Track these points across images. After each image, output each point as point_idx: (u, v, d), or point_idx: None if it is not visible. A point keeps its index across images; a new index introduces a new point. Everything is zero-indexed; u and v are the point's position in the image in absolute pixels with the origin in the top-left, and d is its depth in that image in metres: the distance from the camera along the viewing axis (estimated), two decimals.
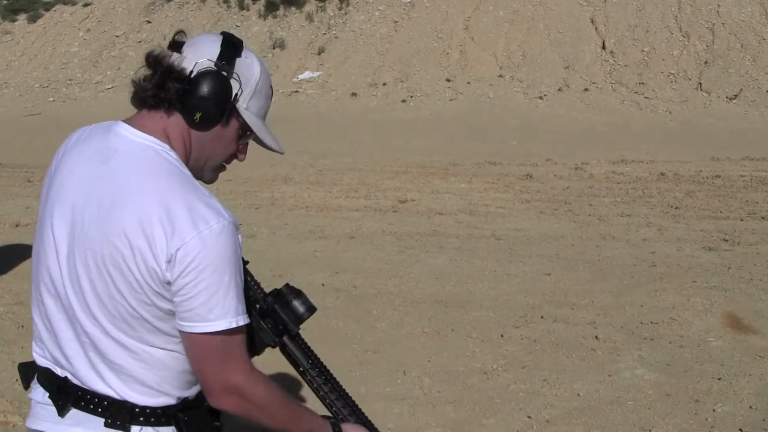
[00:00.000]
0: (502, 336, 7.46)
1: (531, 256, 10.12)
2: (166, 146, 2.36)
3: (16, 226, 11.73)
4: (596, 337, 7.39)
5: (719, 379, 6.51)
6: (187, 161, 2.43)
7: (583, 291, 8.74)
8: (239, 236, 2.34)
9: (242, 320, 2.31)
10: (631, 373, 6.67)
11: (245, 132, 2.47)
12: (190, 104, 2.34)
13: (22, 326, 7.65)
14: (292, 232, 11.34)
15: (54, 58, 33.25)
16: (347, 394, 2.71)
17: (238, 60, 2.38)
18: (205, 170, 2.50)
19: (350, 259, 9.99)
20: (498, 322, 7.82)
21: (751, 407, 6.01)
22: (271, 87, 2.52)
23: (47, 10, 35.94)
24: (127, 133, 2.37)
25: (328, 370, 2.68)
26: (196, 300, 2.25)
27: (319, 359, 2.67)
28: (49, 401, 2.43)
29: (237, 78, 2.37)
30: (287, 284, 2.62)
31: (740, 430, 5.70)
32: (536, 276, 9.29)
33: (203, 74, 2.33)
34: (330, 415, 2.66)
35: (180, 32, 2.45)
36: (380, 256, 10.18)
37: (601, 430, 5.74)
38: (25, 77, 32.21)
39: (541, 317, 7.94)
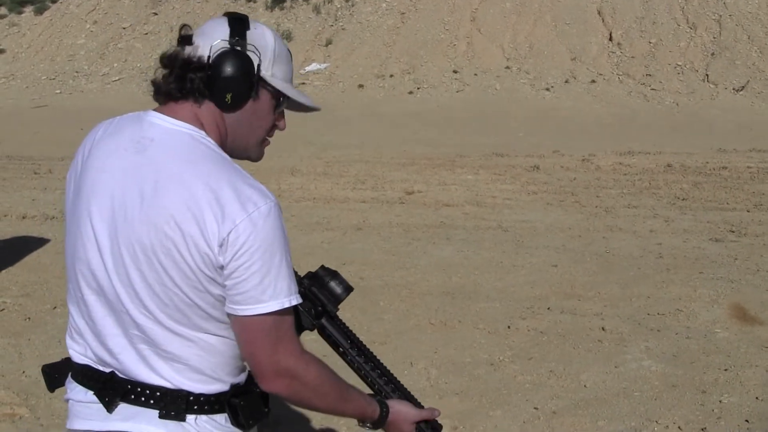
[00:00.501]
0: (508, 327, 7.47)
1: (538, 248, 10.13)
2: (202, 132, 2.35)
3: (23, 218, 11.76)
4: (603, 329, 7.40)
5: (726, 370, 6.51)
6: (223, 146, 2.42)
7: (589, 282, 8.75)
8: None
9: (294, 299, 2.30)
10: (637, 364, 6.67)
11: (279, 99, 2.45)
12: (218, 88, 2.33)
13: (29, 318, 7.67)
14: (299, 224, 11.35)
15: (61, 50, 33.29)
16: (389, 371, 2.70)
17: (248, 33, 2.36)
18: (249, 148, 2.50)
19: (357, 251, 10.01)
20: (505, 313, 7.83)
21: (757, 398, 6.01)
22: (288, 51, 2.50)
23: (54, 2, 36.01)
24: (161, 121, 2.36)
25: (368, 349, 2.68)
26: (249, 282, 2.23)
27: (358, 339, 2.67)
28: (93, 399, 2.39)
29: (254, 49, 2.35)
30: (323, 266, 2.62)
31: (747, 421, 5.71)
32: (543, 267, 9.30)
33: (221, 55, 2.32)
34: (374, 393, 2.66)
35: (185, 26, 2.43)
36: (387, 247, 10.20)
37: (607, 421, 5.75)
38: (32, 69, 32.25)
39: (548, 308, 7.95)
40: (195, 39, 2.37)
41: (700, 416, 5.78)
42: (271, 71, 2.40)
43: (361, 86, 28.07)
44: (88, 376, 2.42)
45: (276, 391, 2.36)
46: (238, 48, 2.34)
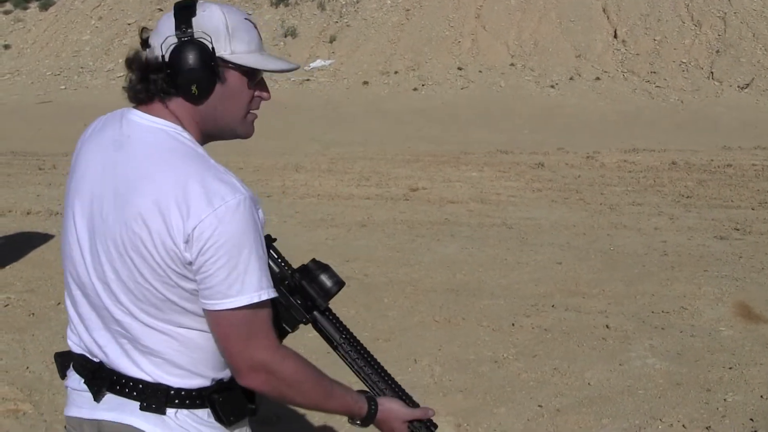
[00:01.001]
0: (513, 325, 7.46)
1: (542, 245, 10.12)
2: (179, 128, 2.36)
3: (28, 213, 11.77)
4: (607, 326, 7.39)
5: (730, 368, 6.50)
6: (208, 135, 2.43)
7: (594, 280, 8.74)
8: (260, 211, 2.31)
9: (265, 294, 2.28)
10: (642, 362, 6.66)
11: (250, 74, 2.42)
12: (181, 83, 2.31)
13: (33, 314, 7.68)
14: (303, 221, 11.35)
15: (66, 45, 33.31)
16: (382, 367, 2.68)
17: (194, 19, 2.32)
18: (234, 128, 2.46)
19: (361, 248, 10.00)
20: (509, 310, 7.82)
21: (762, 396, 6.00)
22: (247, 19, 2.43)
23: None
24: (139, 118, 2.37)
25: (362, 345, 2.65)
26: (216, 277, 2.23)
27: (352, 334, 2.64)
28: (85, 387, 2.43)
29: (203, 35, 2.31)
30: (314, 259, 2.60)
31: (751, 419, 5.70)
32: (547, 265, 9.29)
33: (174, 51, 2.30)
34: (366, 389, 2.64)
35: (143, 29, 2.44)
36: (391, 244, 10.19)
37: (611, 419, 5.74)
38: (37, 65, 32.27)
39: (552, 306, 7.94)
40: (150, 40, 2.37)
41: (705, 414, 5.77)
42: (229, 49, 2.36)
43: (365, 83, 28.07)
44: (82, 366, 2.47)
45: (252, 387, 2.36)
46: (186, 38, 2.31)
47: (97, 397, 2.40)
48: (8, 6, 36.05)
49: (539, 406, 5.92)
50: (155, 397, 2.35)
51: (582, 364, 6.60)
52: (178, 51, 2.30)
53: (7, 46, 33.85)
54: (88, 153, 2.44)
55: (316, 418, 5.60)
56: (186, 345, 2.35)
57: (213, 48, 2.32)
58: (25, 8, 35.82)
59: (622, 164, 16.08)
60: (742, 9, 28.83)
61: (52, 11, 35.46)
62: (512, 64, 28.50)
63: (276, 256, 2.52)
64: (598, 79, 27.40)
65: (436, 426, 2.73)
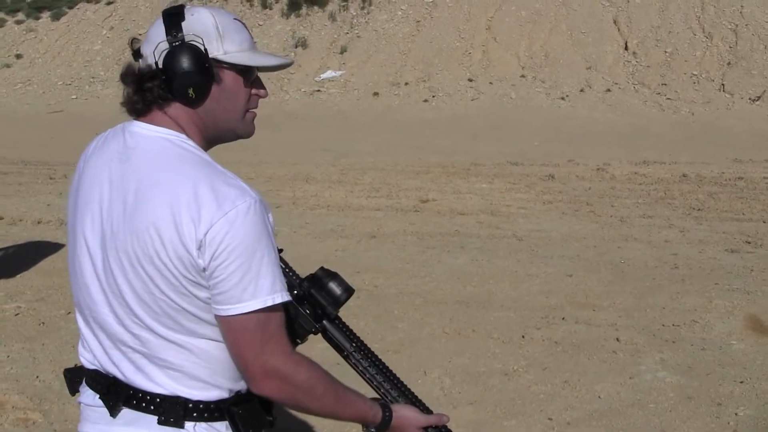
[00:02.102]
0: (523, 337, 7.45)
1: (552, 257, 10.11)
2: (183, 135, 2.35)
3: (38, 222, 11.79)
4: (617, 339, 7.37)
5: (741, 382, 6.48)
6: (209, 138, 2.42)
7: (604, 292, 8.72)
8: (269, 215, 2.30)
9: (279, 298, 2.27)
10: (652, 375, 6.64)
11: (245, 73, 2.41)
12: (177, 88, 2.31)
13: (43, 323, 7.68)
14: (313, 231, 11.35)
15: (77, 55, 33.40)
16: (395, 375, 2.65)
17: (184, 23, 2.32)
18: (234, 129, 2.46)
19: (371, 259, 10.00)
20: (519, 323, 7.81)
21: None
22: (236, 19, 2.43)
23: (71, 7, 36.08)
24: (141, 129, 2.36)
25: (373, 353, 2.62)
26: (229, 281, 2.21)
27: (362, 342, 2.61)
28: (100, 403, 2.41)
29: (194, 37, 2.31)
30: (322, 267, 2.58)
31: None
32: (558, 277, 9.28)
33: (166, 57, 2.30)
34: (379, 397, 2.61)
35: (134, 39, 2.44)
36: (401, 255, 10.19)
37: None
38: (49, 75, 32.36)
39: (563, 318, 7.92)
40: (142, 49, 2.38)
41: (716, 429, 5.75)
42: (222, 50, 2.35)
43: (376, 94, 28.09)
44: (96, 381, 2.44)
45: (266, 393, 2.34)
46: (178, 43, 2.31)
47: (113, 412, 2.38)
48: (20, 16, 36.15)
49: (549, 419, 5.91)
50: (173, 411, 2.33)
51: (592, 377, 6.58)
52: (171, 56, 2.30)
53: (19, 56, 33.94)
54: (93, 170, 2.43)
55: (324, 430, 5.59)
56: (203, 356, 2.34)
57: (206, 49, 2.32)
58: (37, 18, 35.92)
59: (633, 176, 16.06)
60: (754, 21, 28.78)
61: (63, 21, 35.56)
62: (523, 76, 28.50)
63: (284, 266, 2.49)
64: (608, 91, 27.39)
65: None
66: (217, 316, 2.28)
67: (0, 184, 14.93)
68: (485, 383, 6.49)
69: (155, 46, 2.32)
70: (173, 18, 2.34)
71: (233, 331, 2.27)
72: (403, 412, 2.59)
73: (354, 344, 2.60)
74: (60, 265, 9.39)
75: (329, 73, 29.70)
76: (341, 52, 30.58)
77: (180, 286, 2.25)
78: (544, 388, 6.40)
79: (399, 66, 29.40)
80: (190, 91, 2.32)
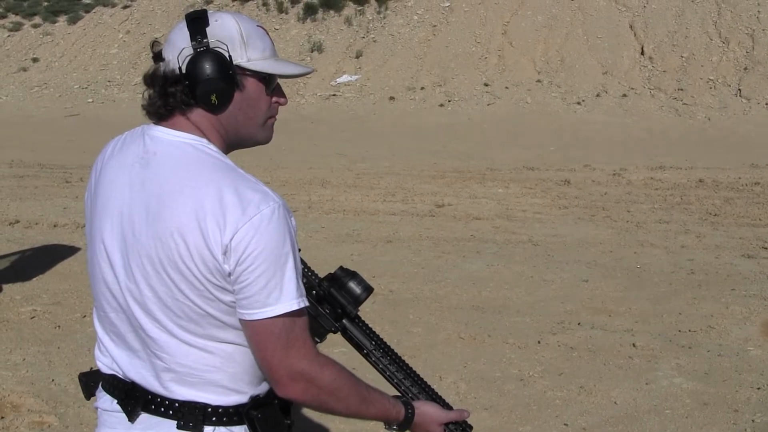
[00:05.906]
0: (539, 342, 7.44)
1: (568, 263, 10.09)
2: (204, 140, 2.35)
3: (54, 226, 11.83)
4: (634, 345, 7.35)
5: (758, 388, 6.45)
6: (230, 143, 2.42)
7: (620, 298, 8.70)
8: (292, 219, 2.31)
9: (303, 302, 2.28)
10: (668, 381, 6.62)
11: (266, 81, 2.41)
12: (200, 93, 2.30)
13: (59, 326, 7.71)
14: (329, 236, 11.36)
15: (93, 59, 33.49)
16: (415, 372, 2.67)
17: (209, 29, 2.32)
18: (254, 135, 2.46)
19: (387, 264, 9.99)
20: (535, 328, 7.80)
21: None
22: (259, 26, 2.43)
23: (87, 11, 36.21)
24: (162, 134, 2.36)
25: (392, 350, 2.64)
26: (255, 285, 2.22)
27: (382, 340, 2.63)
28: (118, 408, 2.41)
29: (219, 43, 2.31)
30: (341, 267, 2.60)
31: None
32: (573, 282, 9.26)
33: (191, 62, 2.29)
34: (400, 394, 2.63)
35: (155, 42, 2.43)
36: (417, 260, 10.18)
37: None
38: (65, 78, 32.45)
39: (579, 324, 7.91)
40: (164, 53, 2.37)
41: None
42: (246, 57, 2.35)
43: (392, 98, 28.08)
44: (113, 386, 2.45)
45: (292, 397, 2.34)
46: (203, 48, 2.31)
47: (132, 417, 2.38)
48: (37, 20, 36.29)
49: (565, 424, 5.90)
50: (192, 415, 2.34)
51: (608, 383, 6.56)
52: (195, 61, 2.30)
53: (35, 60, 34.06)
54: (111, 173, 2.42)
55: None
56: (224, 360, 2.34)
57: (230, 56, 2.32)
58: (54, 22, 36.04)
59: (649, 182, 16.02)
60: None
61: (80, 25, 35.67)
62: (539, 81, 28.45)
63: (303, 266, 2.50)
64: (624, 95, 27.31)
65: (471, 427, 2.73)
66: (241, 321, 2.29)
67: (16, 187, 15.00)
68: (501, 389, 6.48)
69: (179, 51, 2.32)
70: (197, 23, 2.34)
71: (258, 335, 2.28)
72: (424, 408, 2.61)
73: (374, 342, 2.62)
74: (76, 268, 9.43)
75: (345, 78, 29.70)
76: (357, 57, 30.58)
77: (205, 291, 2.25)
78: (560, 394, 6.39)
79: (415, 70, 29.38)
80: (213, 97, 2.32)
